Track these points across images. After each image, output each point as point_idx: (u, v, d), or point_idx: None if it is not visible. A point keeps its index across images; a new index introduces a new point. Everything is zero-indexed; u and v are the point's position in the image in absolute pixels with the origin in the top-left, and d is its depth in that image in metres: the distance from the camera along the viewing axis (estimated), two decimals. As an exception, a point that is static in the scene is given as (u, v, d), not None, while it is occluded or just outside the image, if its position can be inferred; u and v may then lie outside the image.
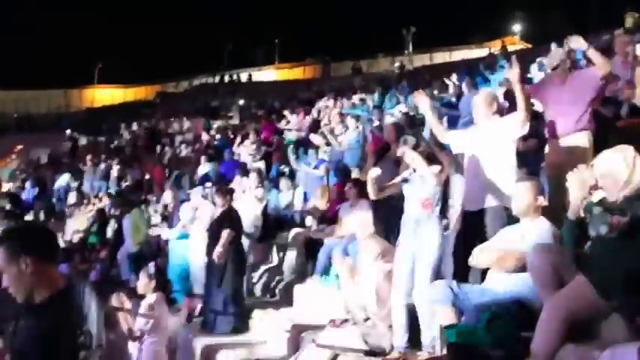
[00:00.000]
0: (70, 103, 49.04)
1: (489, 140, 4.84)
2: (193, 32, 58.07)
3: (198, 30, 57.75)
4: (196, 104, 31.26)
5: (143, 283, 6.45)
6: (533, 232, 4.07)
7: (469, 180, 4.99)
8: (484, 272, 4.28)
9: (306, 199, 10.13)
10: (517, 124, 4.72)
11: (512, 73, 4.79)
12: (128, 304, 6.06)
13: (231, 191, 8.11)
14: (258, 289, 8.70)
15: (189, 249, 8.49)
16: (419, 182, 4.81)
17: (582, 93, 4.97)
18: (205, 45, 54.57)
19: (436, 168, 4.80)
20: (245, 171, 10.95)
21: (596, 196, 3.62)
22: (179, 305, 8.46)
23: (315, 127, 14.23)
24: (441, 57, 43.72)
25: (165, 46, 57.82)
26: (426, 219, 4.72)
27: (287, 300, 7.76)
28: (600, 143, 4.76)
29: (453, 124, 9.96)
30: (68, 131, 28.49)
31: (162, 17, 59.94)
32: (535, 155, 6.24)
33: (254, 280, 8.74)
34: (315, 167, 10.50)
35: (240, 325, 7.20)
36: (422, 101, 5.34)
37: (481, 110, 5.00)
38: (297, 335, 5.91)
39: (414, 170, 4.89)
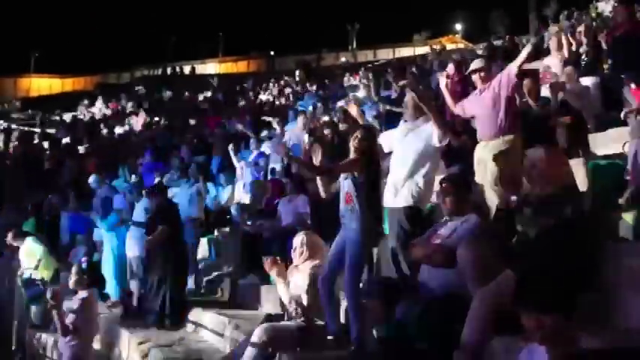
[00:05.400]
0: (3, 92, 47.30)
1: (412, 140, 4.92)
2: (137, 24, 56.98)
3: (141, 22, 56.65)
4: (137, 96, 30.60)
5: (75, 279, 6.25)
6: (462, 227, 4.14)
7: (393, 177, 4.99)
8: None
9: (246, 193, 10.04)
10: (435, 135, 4.81)
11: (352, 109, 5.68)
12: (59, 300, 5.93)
13: (165, 186, 8.05)
14: (199, 286, 8.59)
15: (126, 243, 8.30)
16: (345, 175, 4.81)
17: (499, 94, 5.08)
18: (149, 37, 53.71)
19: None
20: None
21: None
22: (114, 300, 8.30)
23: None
24: (385, 54, 44.26)
25: (108, 37, 56.55)
26: (349, 213, 4.70)
27: (227, 296, 7.70)
28: (530, 142, 4.87)
29: (393, 119, 9.91)
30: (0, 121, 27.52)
31: (106, 7, 58.47)
32: (467, 151, 6.33)
33: (195, 277, 8.63)
34: (255, 161, 10.45)
35: (178, 321, 7.08)
36: (352, 108, 5.72)
37: (410, 109, 5.09)
38: (236, 330, 5.87)
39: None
